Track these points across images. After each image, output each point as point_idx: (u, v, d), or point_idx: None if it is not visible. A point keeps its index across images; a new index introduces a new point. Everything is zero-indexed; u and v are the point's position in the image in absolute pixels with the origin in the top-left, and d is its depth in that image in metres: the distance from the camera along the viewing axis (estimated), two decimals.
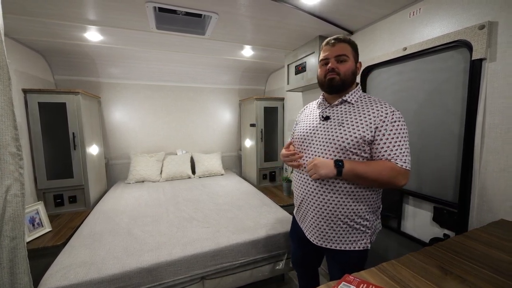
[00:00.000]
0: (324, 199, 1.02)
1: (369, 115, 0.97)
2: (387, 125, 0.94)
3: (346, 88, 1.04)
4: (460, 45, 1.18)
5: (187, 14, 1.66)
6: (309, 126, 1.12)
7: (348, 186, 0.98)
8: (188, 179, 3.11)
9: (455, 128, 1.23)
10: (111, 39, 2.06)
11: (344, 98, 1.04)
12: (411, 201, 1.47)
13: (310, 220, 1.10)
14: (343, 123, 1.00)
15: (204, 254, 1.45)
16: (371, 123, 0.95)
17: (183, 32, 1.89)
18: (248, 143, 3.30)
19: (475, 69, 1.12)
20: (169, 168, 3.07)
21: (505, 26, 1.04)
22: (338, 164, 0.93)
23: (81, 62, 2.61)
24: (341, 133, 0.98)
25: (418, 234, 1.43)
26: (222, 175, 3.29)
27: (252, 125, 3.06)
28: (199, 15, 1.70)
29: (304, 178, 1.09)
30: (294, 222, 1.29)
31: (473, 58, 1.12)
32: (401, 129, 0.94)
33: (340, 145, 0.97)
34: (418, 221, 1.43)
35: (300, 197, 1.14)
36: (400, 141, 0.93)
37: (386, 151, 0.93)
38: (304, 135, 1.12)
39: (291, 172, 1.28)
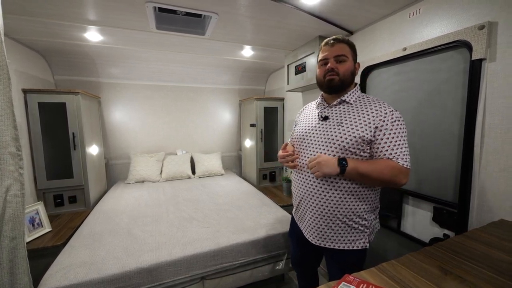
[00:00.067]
0: (324, 197, 1.02)
1: (368, 115, 0.97)
2: (387, 124, 0.94)
3: (345, 88, 1.05)
4: (460, 45, 1.18)
5: (187, 14, 1.66)
6: (308, 126, 1.12)
7: (349, 184, 0.98)
8: (188, 179, 3.11)
9: (455, 128, 1.23)
10: (111, 39, 2.06)
11: (343, 98, 1.04)
12: (411, 201, 1.47)
13: (309, 220, 1.10)
14: (342, 123, 1.00)
15: (204, 254, 1.45)
16: (370, 123, 0.95)
17: (183, 32, 1.89)
18: (248, 143, 3.30)
19: (475, 69, 1.12)
20: (169, 168, 3.07)
21: (505, 26, 1.04)
22: (342, 162, 0.94)
23: (81, 62, 2.61)
24: (340, 133, 0.99)
25: (418, 234, 1.43)
26: (222, 175, 3.29)
27: (252, 125, 3.06)
28: (199, 15, 1.70)
29: (304, 177, 1.09)
30: (293, 222, 1.29)
31: (473, 58, 1.12)
32: (401, 128, 0.95)
33: (339, 145, 0.98)
34: (418, 221, 1.43)
35: (299, 196, 1.14)
36: (401, 140, 0.94)
37: (387, 150, 0.94)
38: (303, 135, 1.12)
39: (291, 172, 1.28)
